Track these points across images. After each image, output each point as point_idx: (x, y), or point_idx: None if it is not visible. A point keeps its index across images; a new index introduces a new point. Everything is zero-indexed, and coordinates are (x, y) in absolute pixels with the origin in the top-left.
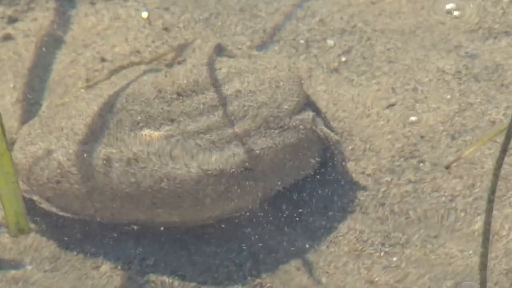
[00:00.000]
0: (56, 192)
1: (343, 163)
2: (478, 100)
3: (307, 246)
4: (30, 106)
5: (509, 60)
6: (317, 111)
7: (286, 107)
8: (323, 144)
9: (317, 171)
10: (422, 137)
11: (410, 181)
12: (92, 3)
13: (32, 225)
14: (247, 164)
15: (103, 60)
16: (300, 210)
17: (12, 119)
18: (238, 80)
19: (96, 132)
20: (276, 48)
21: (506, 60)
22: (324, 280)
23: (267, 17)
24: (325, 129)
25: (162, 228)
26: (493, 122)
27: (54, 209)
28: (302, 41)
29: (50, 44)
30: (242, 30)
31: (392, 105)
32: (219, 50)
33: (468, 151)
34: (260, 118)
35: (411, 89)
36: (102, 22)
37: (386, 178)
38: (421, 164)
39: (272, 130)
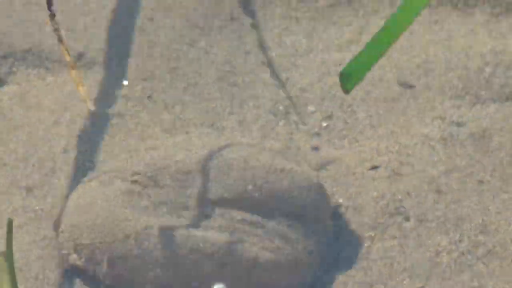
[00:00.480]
0: None
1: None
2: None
3: None
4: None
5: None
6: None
7: None
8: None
9: None
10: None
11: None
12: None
13: None
14: None
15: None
16: None
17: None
18: None
19: None
20: (255, 114)
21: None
22: None
23: (244, 85)
24: None
25: None
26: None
27: None
28: (281, 108)
29: (32, 106)
30: (221, 96)
31: (376, 167)
32: None
33: None
34: None
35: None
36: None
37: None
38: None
39: None
